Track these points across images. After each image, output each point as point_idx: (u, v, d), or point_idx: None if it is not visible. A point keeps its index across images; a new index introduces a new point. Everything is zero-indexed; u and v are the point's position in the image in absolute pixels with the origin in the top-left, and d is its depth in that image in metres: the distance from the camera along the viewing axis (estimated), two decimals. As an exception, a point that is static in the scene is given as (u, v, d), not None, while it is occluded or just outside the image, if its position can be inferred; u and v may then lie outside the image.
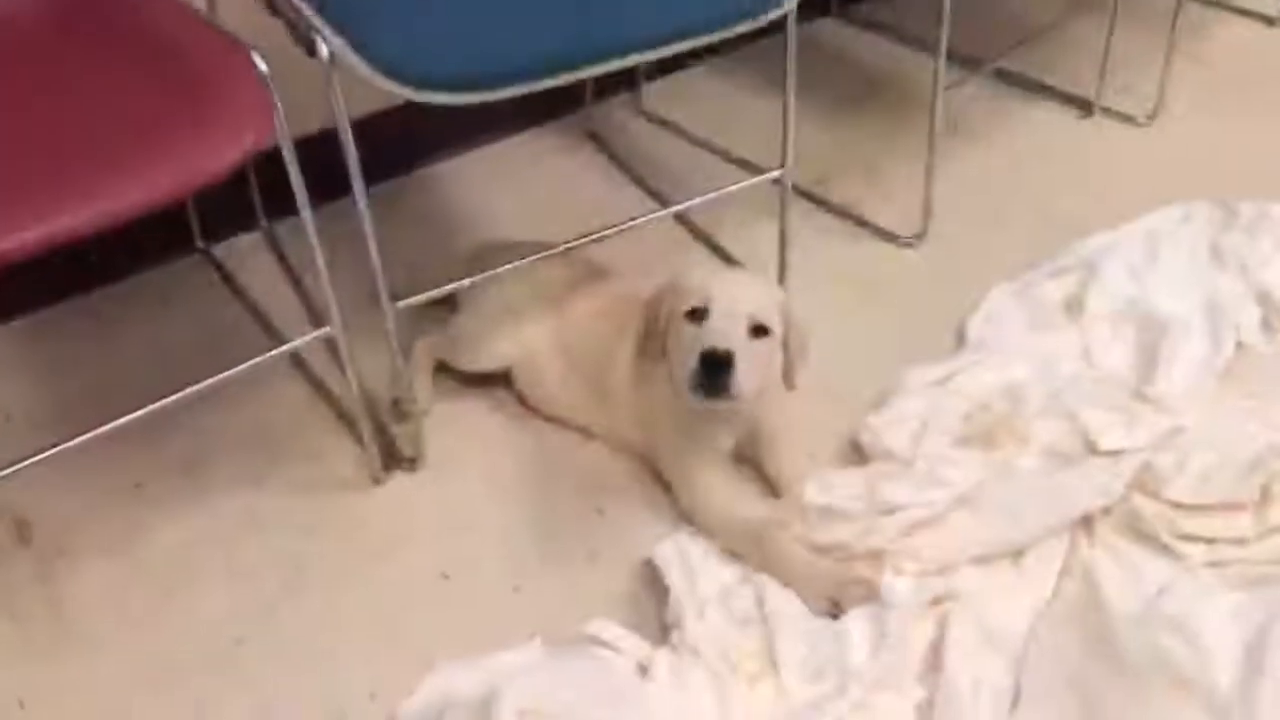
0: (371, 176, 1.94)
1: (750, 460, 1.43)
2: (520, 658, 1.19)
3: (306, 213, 1.23)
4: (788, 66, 1.48)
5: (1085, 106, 2.11)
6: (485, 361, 1.50)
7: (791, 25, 1.42)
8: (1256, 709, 1.08)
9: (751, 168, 1.95)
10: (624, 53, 1.24)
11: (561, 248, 1.45)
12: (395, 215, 1.88)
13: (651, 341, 1.32)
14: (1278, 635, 1.14)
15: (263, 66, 1.11)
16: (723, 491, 1.33)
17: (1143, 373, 1.47)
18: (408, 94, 1.15)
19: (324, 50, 1.16)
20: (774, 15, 1.36)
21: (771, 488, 1.40)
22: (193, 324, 1.67)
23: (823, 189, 1.93)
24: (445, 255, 1.74)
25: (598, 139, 2.09)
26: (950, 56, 1.66)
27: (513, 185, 1.97)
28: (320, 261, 1.26)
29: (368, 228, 1.27)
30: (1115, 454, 1.34)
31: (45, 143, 1.05)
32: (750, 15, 1.33)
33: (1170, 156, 1.99)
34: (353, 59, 1.15)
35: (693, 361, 1.21)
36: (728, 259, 1.79)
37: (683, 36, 1.30)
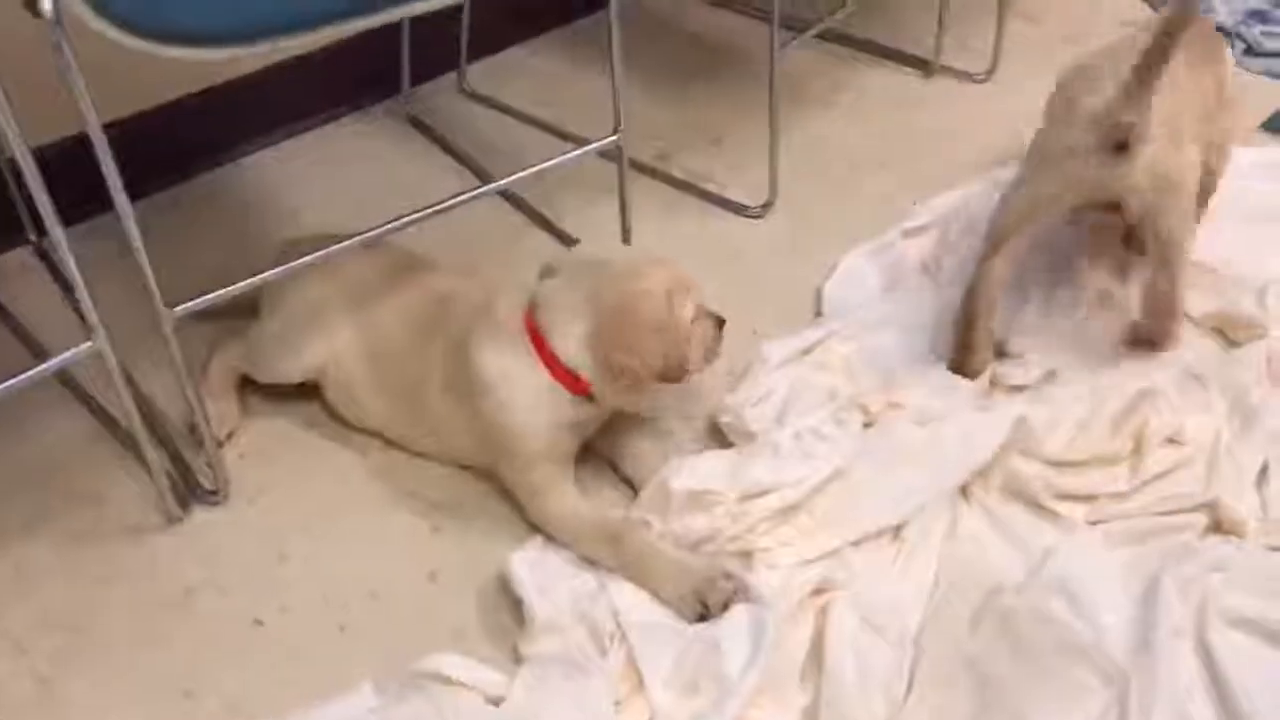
0: (172, 173, 1.78)
1: (602, 455, 1.29)
2: (348, 709, 1.02)
3: (52, 218, 1.03)
4: (611, 24, 1.35)
5: (924, 66, 2.05)
6: (289, 372, 1.31)
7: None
8: (1155, 669, 1.01)
9: (584, 142, 1.83)
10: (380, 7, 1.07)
11: (366, 234, 1.27)
12: (198, 216, 1.68)
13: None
14: (1165, 592, 1.08)
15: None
16: (571, 492, 1.19)
17: (1005, 322, 1.40)
18: (147, 48, 0.96)
19: (46, 4, 0.96)
20: None
21: (627, 483, 1.26)
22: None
23: (666, 164, 1.82)
24: (254, 256, 1.53)
25: (419, 123, 1.92)
26: (785, 23, 1.57)
27: (328, 175, 1.79)
28: (73, 269, 1.06)
29: (129, 224, 1.07)
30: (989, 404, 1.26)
31: None
32: None
33: (1007, 112, 1.95)
34: (80, 9, 0.95)
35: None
36: (568, 240, 1.65)
37: None
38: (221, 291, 1.16)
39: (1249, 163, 1.64)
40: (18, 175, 1.02)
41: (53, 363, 1.11)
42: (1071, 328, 1.40)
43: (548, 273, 1.24)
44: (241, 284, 1.19)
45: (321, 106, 1.90)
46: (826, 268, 1.56)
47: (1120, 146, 1.19)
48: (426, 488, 1.27)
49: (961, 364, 1.34)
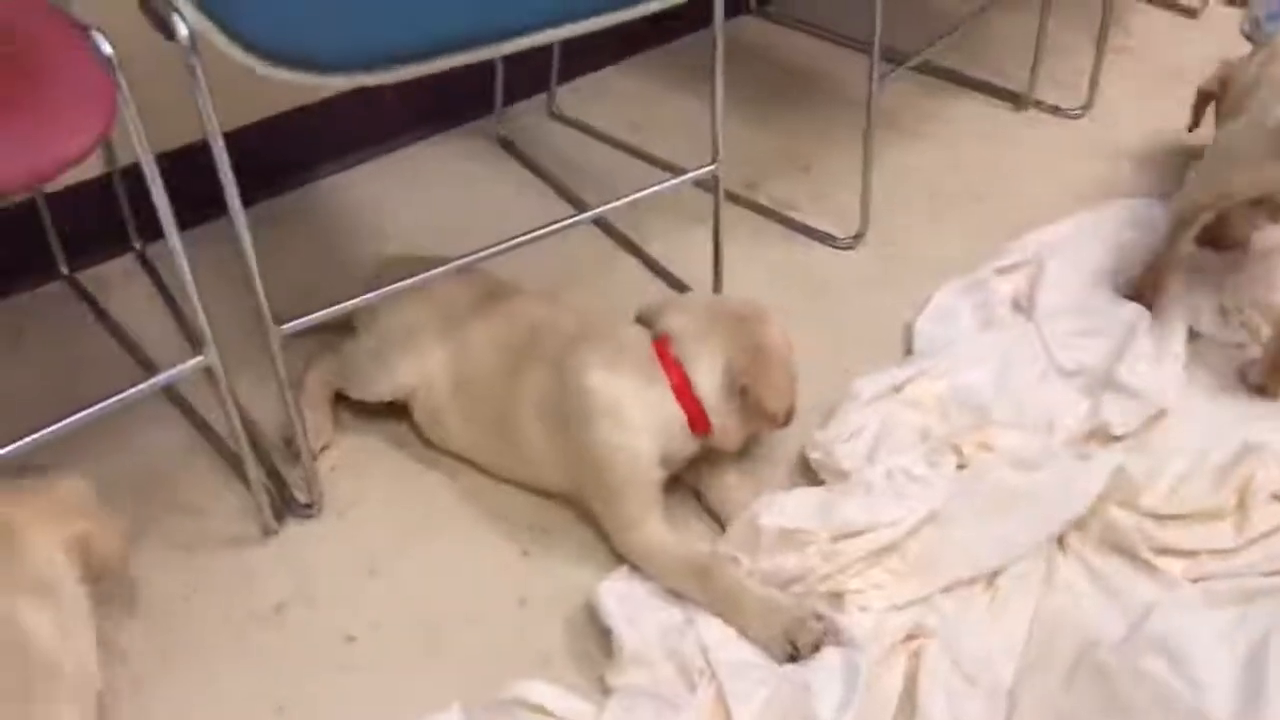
0: (266, 189, 1.82)
1: (688, 485, 1.29)
2: (439, 730, 1.03)
3: (171, 228, 1.06)
4: (715, 51, 1.35)
5: (1017, 99, 2.03)
6: (382, 390, 1.33)
7: (718, 3, 1.29)
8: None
9: (675, 169, 1.82)
10: (526, 30, 1.10)
11: (463, 260, 1.29)
12: (292, 232, 1.71)
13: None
14: (1274, 656, 1.04)
15: (106, 48, 0.94)
16: (661, 525, 1.19)
17: (1108, 365, 1.37)
18: (283, 76, 0.99)
19: (182, 30, 0.99)
20: None
21: (715, 517, 1.26)
22: (54, 358, 1.47)
23: (754, 192, 1.82)
24: (345, 274, 1.57)
25: (509, 145, 1.94)
26: (879, 52, 1.56)
27: (419, 196, 1.81)
28: (189, 282, 1.09)
29: (245, 241, 1.10)
30: (1088, 453, 1.24)
31: None
32: None
33: (1104, 148, 1.92)
34: (218, 38, 0.99)
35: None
36: (658, 269, 1.65)
37: (592, 12, 1.15)
38: (329, 310, 1.19)
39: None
40: (128, 183, 1.06)
41: (163, 377, 1.14)
42: (1180, 369, 1.37)
43: (654, 311, 1.26)
44: (348, 303, 1.21)
45: (413, 125, 1.93)
46: (917, 302, 1.55)
47: None
48: (515, 511, 1.28)
49: (1141, 297, 1.48)
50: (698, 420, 1.21)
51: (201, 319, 1.10)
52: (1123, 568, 1.16)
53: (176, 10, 1.00)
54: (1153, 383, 1.34)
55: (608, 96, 2.06)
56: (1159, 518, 1.18)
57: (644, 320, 1.27)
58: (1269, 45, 1.60)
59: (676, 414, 1.20)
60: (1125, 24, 2.27)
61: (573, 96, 2.05)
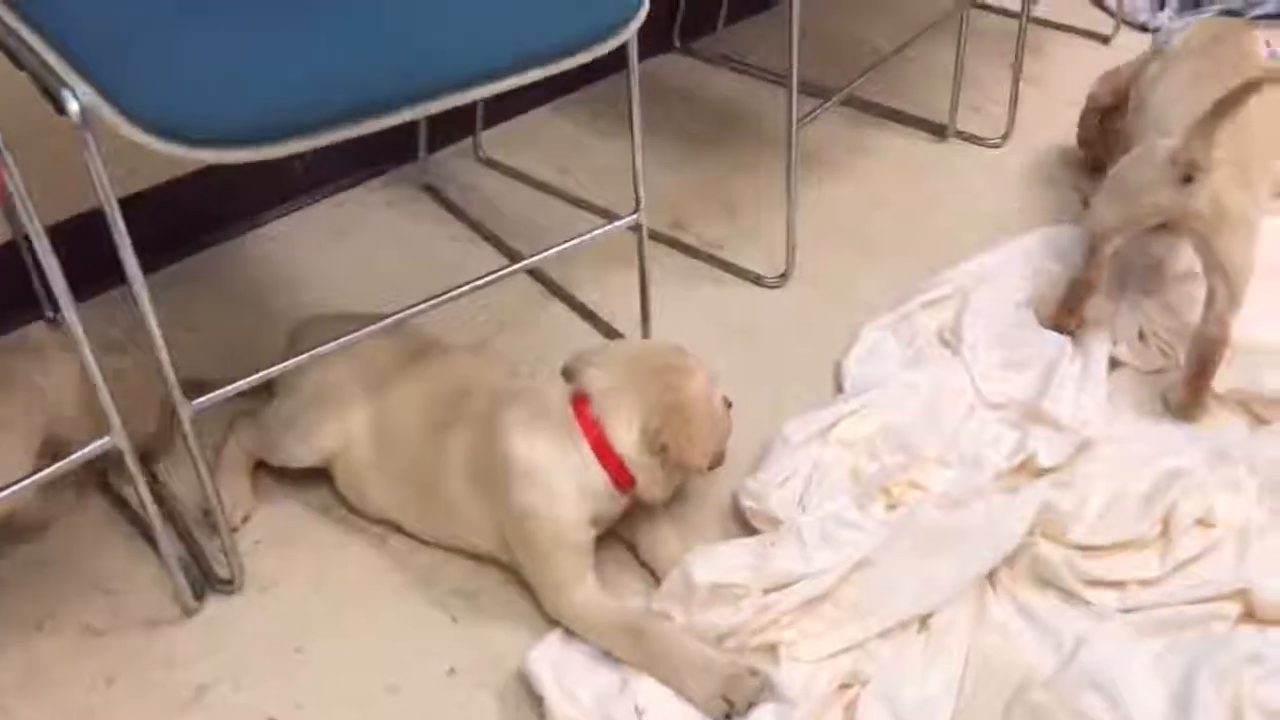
0: (178, 249, 1.78)
1: (620, 540, 1.27)
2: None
3: (69, 306, 1.02)
4: (631, 100, 1.35)
5: (938, 130, 2.06)
6: (302, 457, 1.30)
7: (632, 55, 1.29)
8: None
9: (603, 213, 1.83)
10: (440, 91, 1.07)
11: (386, 320, 1.26)
12: (207, 292, 1.67)
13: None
14: (1200, 685, 1.05)
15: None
16: (592, 587, 1.17)
17: (1034, 397, 1.38)
18: (179, 153, 0.95)
19: (73, 106, 0.96)
20: (614, 44, 1.22)
21: (650, 570, 1.24)
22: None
23: (681, 232, 1.81)
24: (264, 335, 1.53)
25: (435, 191, 1.92)
26: (800, 87, 1.57)
27: (342, 248, 1.78)
28: (89, 361, 1.05)
29: (147, 314, 1.06)
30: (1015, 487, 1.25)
31: None
32: (587, 44, 1.17)
33: (1024, 176, 1.95)
34: (109, 114, 0.95)
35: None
36: (588, 314, 1.64)
37: (512, 70, 1.13)
38: (240, 384, 1.15)
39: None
40: (33, 251, 1.03)
41: (71, 459, 1.10)
42: (1104, 398, 1.39)
43: (577, 366, 1.24)
44: (259, 374, 1.18)
45: (334, 175, 1.90)
46: (846, 340, 1.55)
47: (1187, 179, 1.34)
48: (443, 577, 1.25)
49: (1060, 324, 1.50)
50: (620, 478, 1.19)
51: (106, 400, 1.07)
52: (1053, 602, 1.16)
53: (67, 87, 0.97)
54: (1078, 413, 1.35)
55: (535, 140, 2.06)
56: (1086, 549, 1.19)
57: (568, 375, 1.25)
58: (1160, 56, 1.64)
59: (599, 474, 1.18)
60: (1040, 52, 2.32)
61: (499, 140, 2.03)
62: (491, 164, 2.00)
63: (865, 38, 2.36)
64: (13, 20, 1.07)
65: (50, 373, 1.25)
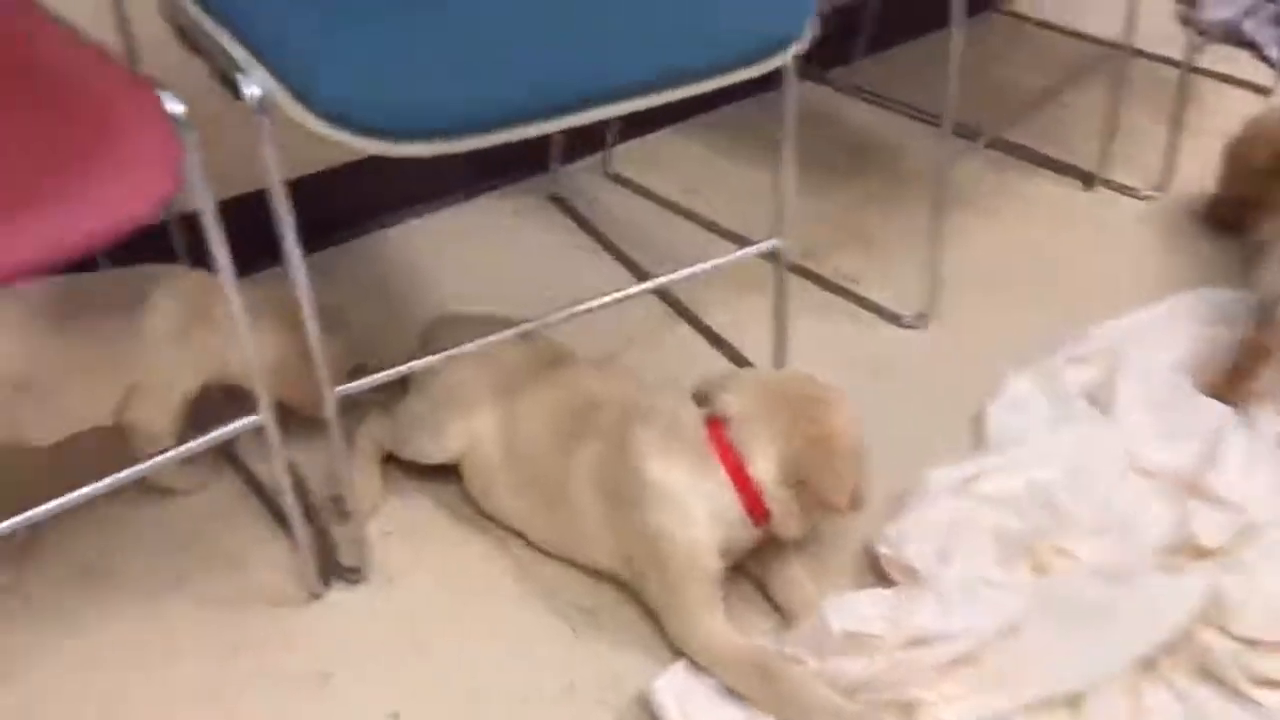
0: (317, 242, 1.80)
1: (749, 575, 1.23)
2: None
3: (230, 282, 1.02)
4: (785, 121, 1.31)
5: (1087, 179, 1.98)
6: (432, 454, 1.29)
7: (790, 75, 1.26)
8: None
9: (733, 237, 1.80)
10: (607, 99, 1.05)
11: (524, 326, 1.24)
12: (339, 284, 1.68)
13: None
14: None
15: (175, 107, 0.91)
16: (721, 619, 1.13)
17: (1195, 471, 1.31)
18: (353, 143, 0.95)
19: (251, 91, 0.96)
20: (775, 63, 1.18)
21: (778, 609, 1.20)
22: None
23: (812, 262, 1.77)
24: (397, 330, 1.54)
25: (562, 203, 1.92)
26: (917, 116, 1.52)
27: (472, 252, 1.78)
28: (245, 337, 1.05)
29: (305, 300, 1.06)
30: (1178, 568, 1.17)
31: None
32: (749, 60, 1.14)
33: (1179, 231, 1.87)
34: (288, 102, 0.95)
35: None
36: (714, 338, 1.61)
37: (673, 83, 1.10)
38: (386, 373, 1.15)
39: None
40: (184, 230, 1.05)
41: (214, 435, 1.10)
42: (1274, 477, 1.30)
43: (710, 390, 1.20)
44: (403, 367, 1.17)
45: (469, 181, 1.91)
46: (986, 388, 1.49)
47: None
48: (565, 588, 1.23)
49: (1225, 394, 1.40)
50: (756, 509, 1.15)
51: (255, 375, 1.07)
52: (1217, 698, 1.08)
53: (243, 72, 0.97)
54: (1244, 492, 1.27)
55: (664, 159, 2.04)
56: (1256, 645, 1.11)
57: (700, 398, 1.22)
58: None
59: (734, 502, 1.14)
60: (1196, 102, 2.23)
61: (628, 157, 2.02)
62: (620, 180, 1.98)
63: (1015, 79, 2.30)
64: (193, 8, 1.08)
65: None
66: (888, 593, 1.16)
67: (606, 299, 1.29)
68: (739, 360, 1.57)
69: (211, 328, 1.22)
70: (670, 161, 2.03)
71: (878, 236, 1.84)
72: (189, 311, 1.21)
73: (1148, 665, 1.10)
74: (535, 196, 1.93)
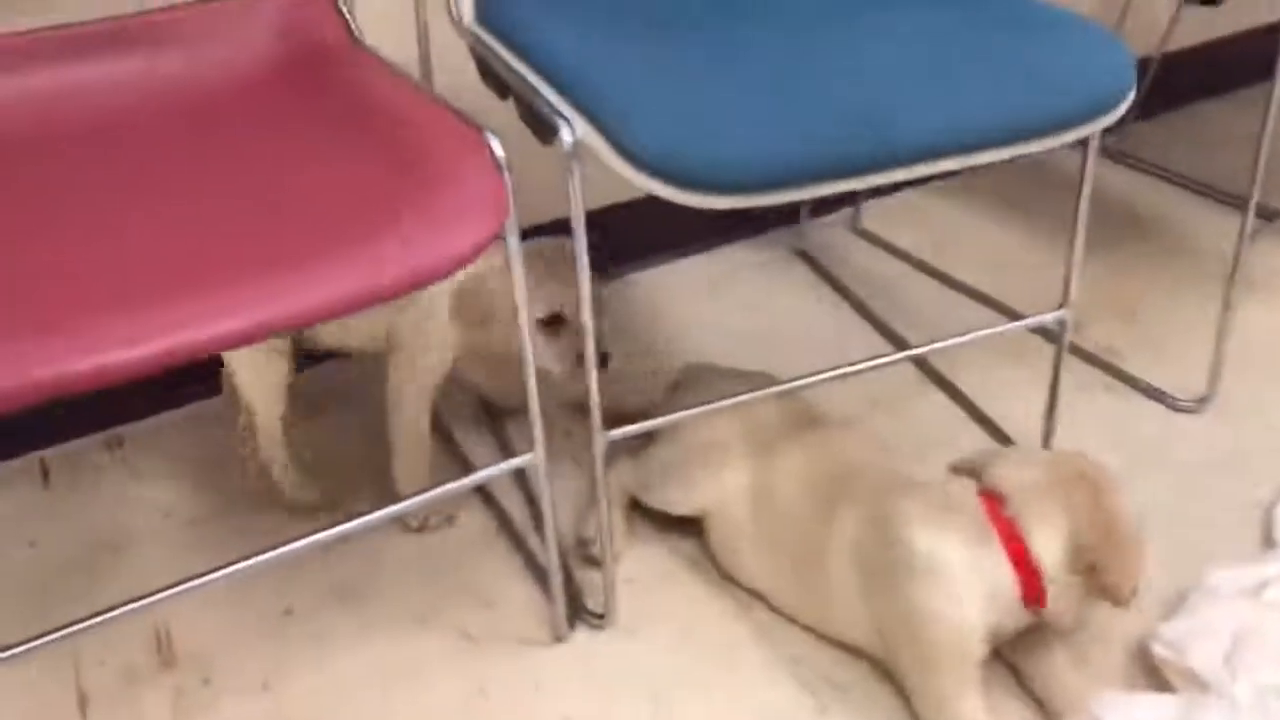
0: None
1: (1007, 663, 1.16)
2: None
3: (524, 319, 1.06)
4: (1081, 189, 1.26)
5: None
6: (679, 504, 1.29)
7: (1093, 139, 1.20)
8: None
9: (992, 303, 1.73)
10: (923, 158, 1.03)
11: (786, 386, 1.23)
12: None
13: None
14: None
15: (499, 150, 0.96)
16: (980, 706, 1.07)
17: None
18: (668, 194, 0.97)
19: (567, 138, 1.00)
20: (1100, 125, 1.11)
21: (1036, 700, 1.13)
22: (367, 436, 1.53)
23: (1076, 336, 1.68)
24: (644, 373, 1.56)
25: (808, 257, 1.90)
26: (1224, 198, 1.41)
27: (716, 302, 1.80)
28: (530, 377, 1.08)
29: (589, 345, 1.09)
30: None
31: (263, 214, 0.91)
32: (1080, 120, 1.08)
33: None
34: (603, 149, 0.99)
35: None
36: (971, 409, 1.54)
37: (1004, 141, 1.05)
38: (656, 421, 1.16)
39: None
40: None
41: (484, 473, 1.14)
42: None
43: (981, 462, 1.15)
44: (672, 416, 1.18)
45: (717, 230, 1.93)
46: (1276, 483, 1.36)
47: None
48: (813, 659, 1.19)
49: None
50: (1032, 592, 1.09)
51: (535, 417, 1.10)
52: None
53: (564, 118, 1.01)
54: None
55: (914, 218, 2.00)
56: None
57: (964, 471, 1.17)
58: None
59: (1009, 582, 1.08)
60: None
61: (876, 214, 1.99)
62: (868, 236, 1.96)
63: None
64: (506, 53, 1.14)
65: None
66: (1170, 698, 1.07)
67: (866, 365, 1.26)
68: (996, 433, 1.50)
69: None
70: (920, 221, 1.99)
71: (1144, 311, 1.73)
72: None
73: None
74: (782, 249, 1.93)
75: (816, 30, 1.17)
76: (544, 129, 1.04)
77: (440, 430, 1.48)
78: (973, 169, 2.04)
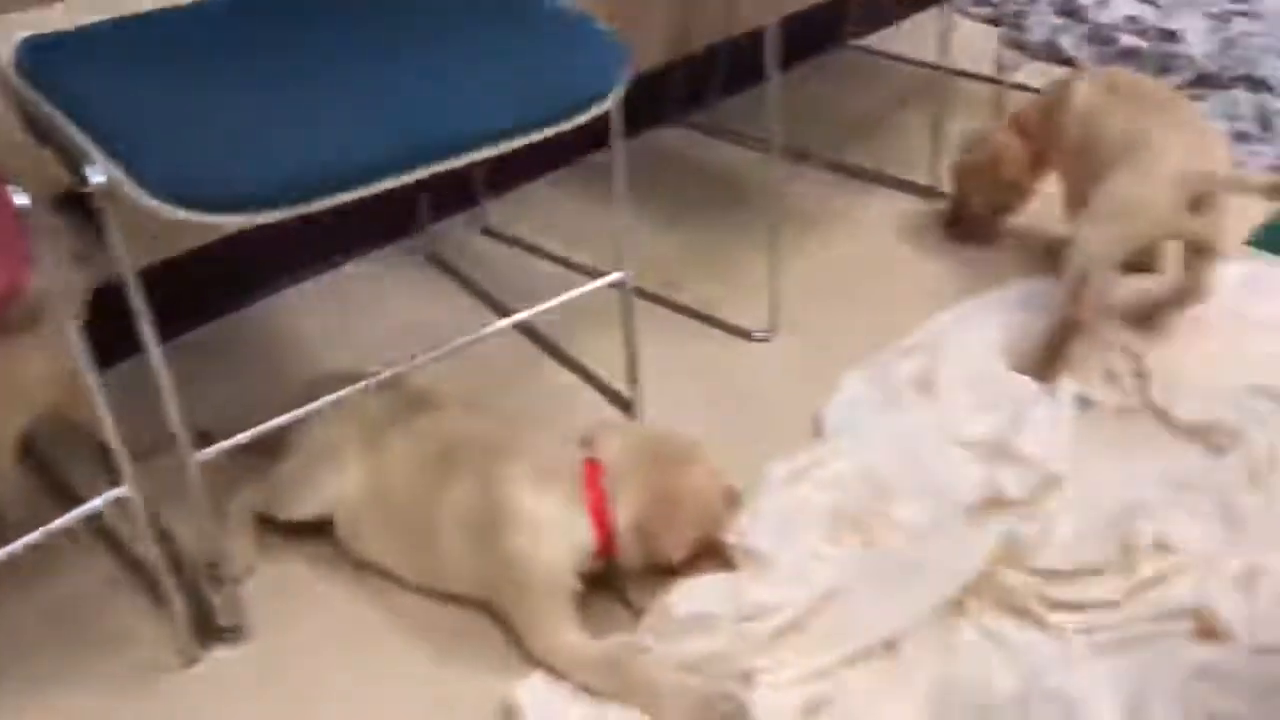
0: (194, 318, 1.88)
1: (609, 584, 1.32)
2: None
3: (90, 367, 1.11)
4: (614, 163, 1.44)
5: (924, 191, 2.14)
6: (301, 508, 1.37)
7: (617, 120, 1.39)
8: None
9: (599, 275, 1.91)
10: (435, 157, 1.17)
11: (384, 374, 1.35)
12: (220, 360, 1.77)
13: None
14: (1156, 700, 1.09)
15: (20, 200, 1.01)
16: (575, 628, 1.23)
17: (1004, 436, 1.44)
18: (198, 218, 1.04)
19: (98, 179, 1.06)
20: (600, 109, 1.31)
21: (633, 610, 1.30)
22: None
23: (674, 291, 1.90)
24: (275, 397, 1.62)
25: (440, 261, 2.03)
26: (789, 154, 1.66)
27: (349, 316, 1.88)
28: (103, 410, 1.13)
29: (159, 372, 1.15)
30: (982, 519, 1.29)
31: None
32: (573, 110, 1.27)
33: (1008, 233, 2.02)
34: (130, 186, 1.05)
35: None
36: (579, 369, 1.72)
37: (500, 137, 1.22)
38: (242, 436, 1.24)
39: (1234, 276, 1.69)
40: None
41: (81, 510, 1.17)
42: (1070, 436, 1.44)
43: (599, 435, 1.32)
44: (261, 426, 1.26)
45: (342, 247, 2.00)
46: (828, 389, 1.62)
47: (1194, 203, 1.52)
48: (437, 615, 1.31)
49: (1044, 374, 1.56)
50: (608, 549, 1.26)
51: (119, 451, 1.15)
52: (1017, 627, 1.20)
53: (91, 161, 1.07)
54: (1045, 451, 1.40)
55: (537, 209, 2.16)
56: (1051, 576, 1.23)
57: (585, 442, 1.33)
58: (1090, 80, 1.76)
59: (590, 537, 1.25)
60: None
61: (501, 211, 2.14)
62: (494, 234, 2.10)
63: (848, 106, 2.47)
64: (37, 98, 1.18)
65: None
66: (728, 576, 1.27)
67: (463, 340, 1.40)
68: (607, 391, 1.68)
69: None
70: (543, 212, 2.15)
71: (733, 262, 1.97)
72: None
73: (956, 607, 1.22)
74: (412, 257, 2.04)
75: (340, 54, 1.28)
76: (77, 173, 1.09)
77: (53, 473, 1.49)
78: (580, 161, 2.27)
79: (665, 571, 1.30)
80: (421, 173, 1.17)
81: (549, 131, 1.27)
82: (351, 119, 1.16)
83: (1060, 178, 1.84)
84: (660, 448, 1.32)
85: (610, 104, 1.32)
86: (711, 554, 1.31)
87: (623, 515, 1.25)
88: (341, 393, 1.32)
